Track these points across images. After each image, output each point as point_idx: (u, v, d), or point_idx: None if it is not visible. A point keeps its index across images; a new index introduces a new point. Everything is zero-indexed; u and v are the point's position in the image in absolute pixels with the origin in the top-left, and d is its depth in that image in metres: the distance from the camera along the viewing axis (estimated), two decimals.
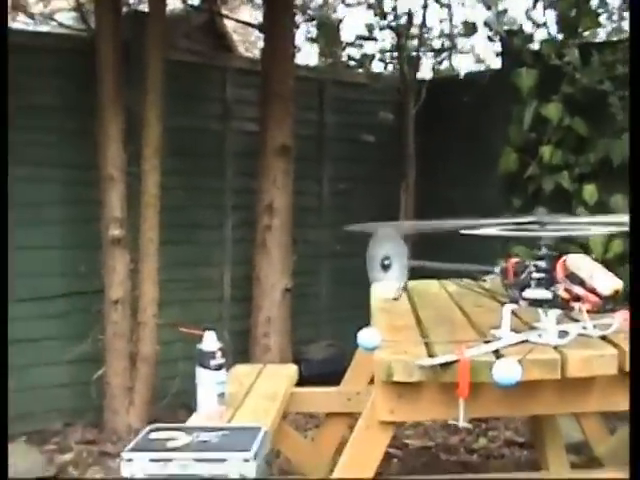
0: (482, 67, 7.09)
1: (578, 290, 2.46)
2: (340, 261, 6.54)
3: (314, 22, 7.50)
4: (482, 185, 6.32)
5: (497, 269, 2.69)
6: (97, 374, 5.14)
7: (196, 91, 5.98)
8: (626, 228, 2.73)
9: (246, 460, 2.45)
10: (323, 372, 5.26)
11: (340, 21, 7.58)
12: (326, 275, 6.79)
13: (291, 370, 4.08)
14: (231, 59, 7.12)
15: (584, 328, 2.57)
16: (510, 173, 5.98)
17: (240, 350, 5.67)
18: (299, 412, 4.72)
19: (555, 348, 2.44)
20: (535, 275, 2.52)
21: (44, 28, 7.03)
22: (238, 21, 8.16)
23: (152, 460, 2.47)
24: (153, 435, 2.64)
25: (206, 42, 7.80)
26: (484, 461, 4.73)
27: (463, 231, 2.71)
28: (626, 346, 2.42)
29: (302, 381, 4.11)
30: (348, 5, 7.63)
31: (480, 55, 7.09)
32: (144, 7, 5.85)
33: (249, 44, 10.55)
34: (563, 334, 2.50)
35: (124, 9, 5.71)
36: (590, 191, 5.62)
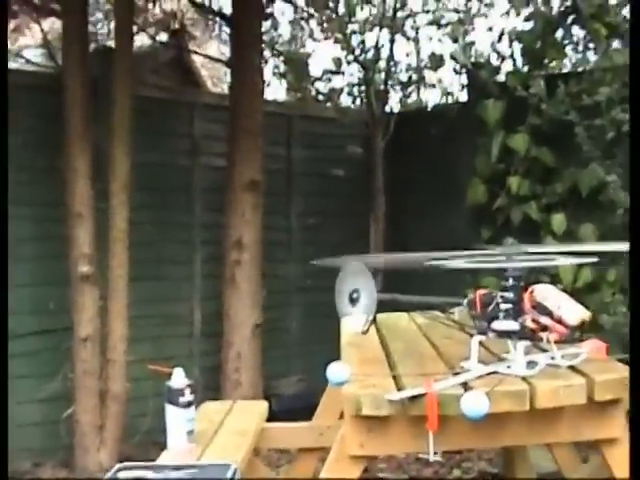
0: (449, 100, 7.13)
1: (545, 320, 2.47)
2: (310, 295, 6.52)
3: (282, 57, 7.53)
4: (451, 217, 6.34)
5: (465, 301, 2.69)
6: (67, 412, 5.08)
7: (164, 127, 5.98)
8: (594, 259, 2.76)
9: None
10: (294, 407, 5.24)
11: (308, 56, 7.62)
12: (296, 309, 6.77)
13: (261, 406, 4.05)
14: (199, 94, 7.13)
15: (552, 358, 2.57)
16: (478, 204, 6.01)
17: (211, 386, 5.64)
18: (271, 448, 4.67)
19: (524, 379, 2.44)
20: (502, 306, 2.52)
21: (12, 65, 7.00)
22: (206, 56, 8.19)
23: None
24: (122, 474, 2.62)
25: (174, 78, 7.80)
26: None
27: (431, 262, 2.71)
28: (595, 375, 2.43)
29: (273, 416, 4.08)
30: (316, 40, 7.66)
31: (447, 88, 7.12)
32: (112, 43, 5.85)
33: (217, 79, 10.56)
34: (532, 365, 2.50)
35: (92, 45, 5.71)
36: (558, 221, 5.65)
